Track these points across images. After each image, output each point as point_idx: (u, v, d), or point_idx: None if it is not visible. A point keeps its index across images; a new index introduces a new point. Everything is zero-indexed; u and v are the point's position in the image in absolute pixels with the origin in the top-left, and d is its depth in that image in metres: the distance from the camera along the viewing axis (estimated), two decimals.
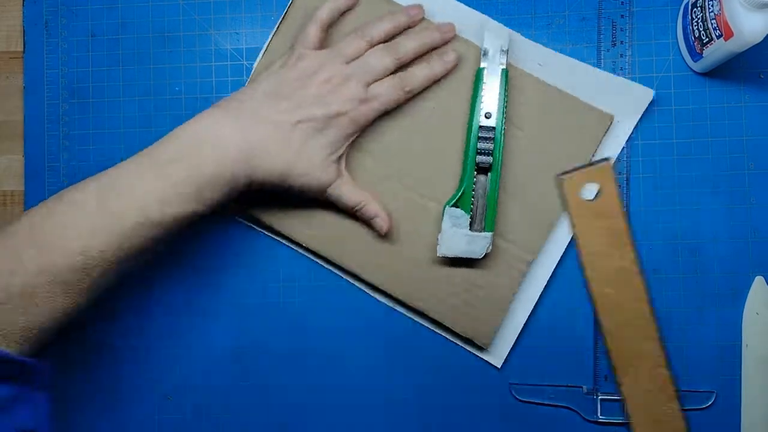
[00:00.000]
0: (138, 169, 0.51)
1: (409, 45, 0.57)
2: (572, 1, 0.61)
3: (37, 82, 0.63)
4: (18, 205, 0.63)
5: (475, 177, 0.56)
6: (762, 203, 0.58)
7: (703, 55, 0.56)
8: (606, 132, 0.58)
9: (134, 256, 0.50)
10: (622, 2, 0.60)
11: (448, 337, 0.59)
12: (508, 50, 0.57)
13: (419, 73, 0.57)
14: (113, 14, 0.63)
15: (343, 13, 0.59)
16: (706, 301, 0.58)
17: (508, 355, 0.59)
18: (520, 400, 0.59)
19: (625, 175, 0.59)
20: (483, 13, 0.60)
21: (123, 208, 0.50)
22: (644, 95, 0.59)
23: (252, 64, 0.62)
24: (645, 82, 0.59)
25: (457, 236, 0.56)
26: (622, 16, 0.60)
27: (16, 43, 0.64)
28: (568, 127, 0.58)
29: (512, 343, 0.59)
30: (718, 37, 0.53)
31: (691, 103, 0.59)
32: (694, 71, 0.59)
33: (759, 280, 0.58)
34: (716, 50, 0.54)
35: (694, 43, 0.56)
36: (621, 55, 0.60)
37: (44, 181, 0.63)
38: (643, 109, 0.59)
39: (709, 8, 0.53)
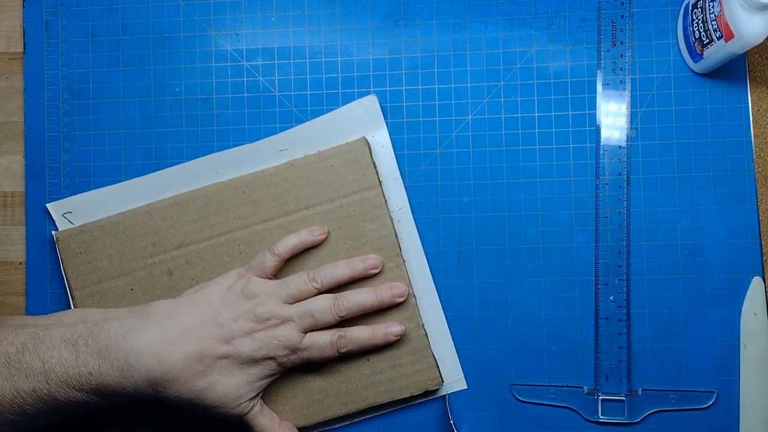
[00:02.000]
0: (62, 340, 0.52)
1: (358, 301, 0.56)
2: (572, 1, 0.61)
3: (38, 83, 0.63)
4: (18, 206, 0.63)
5: None
6: (762, 203, 0.59)
7: (704, 56, 0.56)
8: (371, 152, 0.59)
9: (25, 413, 0.51)
10: (622, 2, 0.60)
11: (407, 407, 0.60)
12: None
13: (359, 336, 0.56)
14: (113, 15, 0.63)
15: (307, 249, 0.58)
16: (706, 301, 0.59)
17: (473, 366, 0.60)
18: (521, 401, 0.59)
19: (625, 176, 0.59)
20: (484, 14, 0.61)
21: (30, 368, 0.51)
22: (371, 102, 0.60)
23: (252, 65, 0.62)
24: (645, 82, 0.59)
25: None
26: (622, 16, 0.60)
27: (17, 44, 0.64)
28: (342, 175, 0.59)
29: (456, 358, 0.60)
30: (719, 38, 0.53)
31: (691, 103, 0.59)
32: (694, 72, 0.59)
33: (757, 280, 0.58)
34: (716, 51, 0.54)
35: (694, 44, 0.56)
36: (621, 56, 0.60)
37: (44, 181, 0.63)
38: (380, 112, 0.60)
39: (709, 9, 0.53)
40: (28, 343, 0.52)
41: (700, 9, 0.55)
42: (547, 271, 0.59)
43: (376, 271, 0.57)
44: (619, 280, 0.59)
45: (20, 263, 0.63)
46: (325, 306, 0.55)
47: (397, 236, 0.59)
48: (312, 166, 0.59)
